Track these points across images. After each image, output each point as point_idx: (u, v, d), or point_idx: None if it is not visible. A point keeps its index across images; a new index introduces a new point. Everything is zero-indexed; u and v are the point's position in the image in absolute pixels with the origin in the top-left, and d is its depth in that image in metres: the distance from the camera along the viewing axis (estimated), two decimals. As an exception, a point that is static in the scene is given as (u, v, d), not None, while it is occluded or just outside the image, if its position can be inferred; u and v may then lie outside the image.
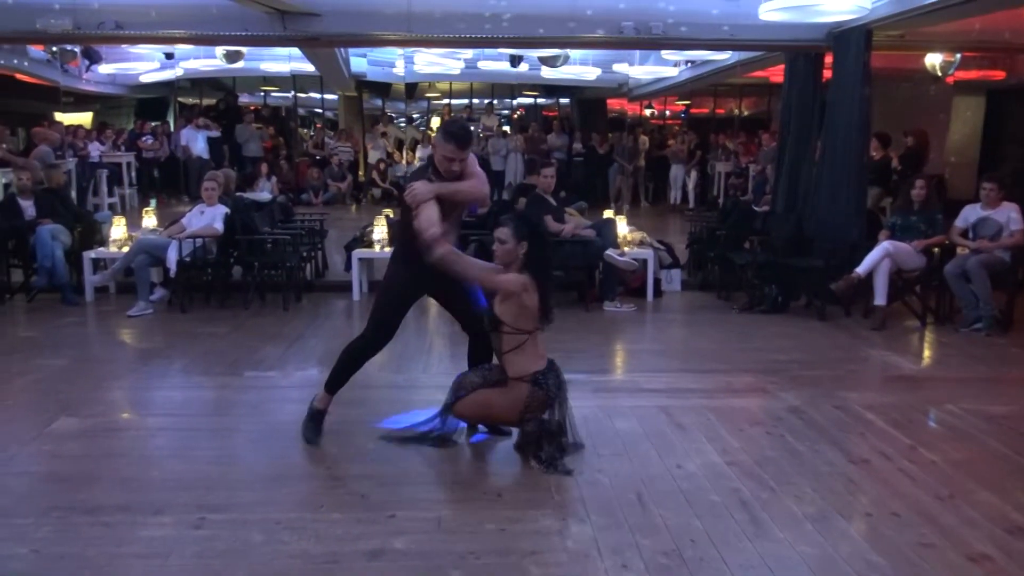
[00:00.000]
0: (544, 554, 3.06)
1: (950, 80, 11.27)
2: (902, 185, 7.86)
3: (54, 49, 12.45)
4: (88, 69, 14.21)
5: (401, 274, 4.14)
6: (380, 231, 7.97)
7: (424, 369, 5.57)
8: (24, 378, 5.34)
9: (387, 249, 7.89)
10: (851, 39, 7.59)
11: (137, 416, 4.72)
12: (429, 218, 3.75)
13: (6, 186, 9.66)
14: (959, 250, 6.96)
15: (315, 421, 4.19)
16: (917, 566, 2.99)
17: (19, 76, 12.81)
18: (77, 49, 13.29)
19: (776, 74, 11.88)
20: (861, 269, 6.81)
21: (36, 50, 12.46)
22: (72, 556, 3.03)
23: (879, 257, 6.80)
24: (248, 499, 3.52)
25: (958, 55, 9.96)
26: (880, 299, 6.83)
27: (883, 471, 3.87)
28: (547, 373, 3.88)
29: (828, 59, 8.21)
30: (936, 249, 6.98)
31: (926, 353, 6.42)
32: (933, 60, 10.17)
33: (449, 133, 3.95)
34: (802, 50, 8.38)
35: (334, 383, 4.20)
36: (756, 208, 9.52)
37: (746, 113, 18.68)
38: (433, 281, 4.08)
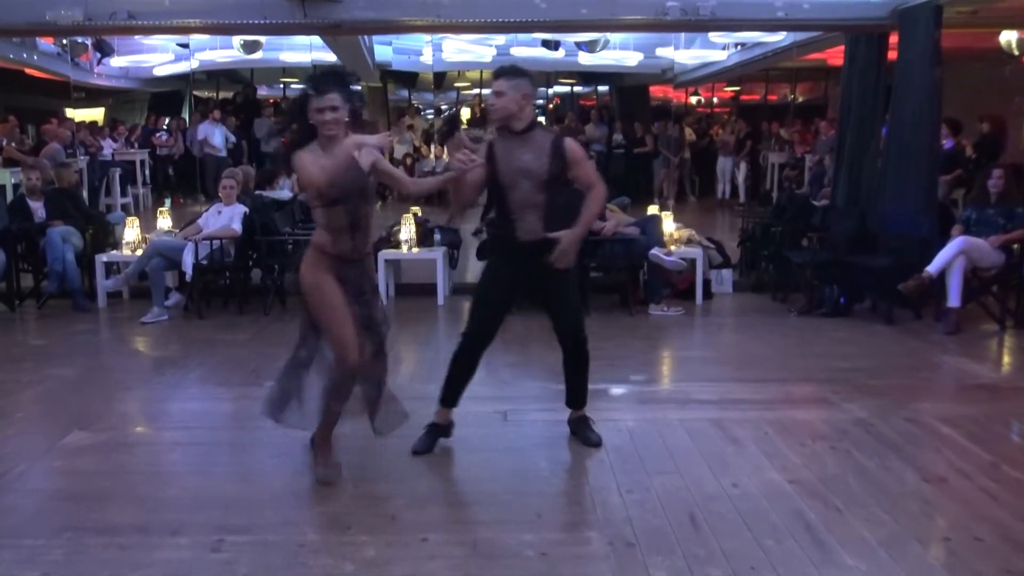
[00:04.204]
0: (589, 581, 3.01)
1: (1028, 60, 11.01)
2: (977, 175, 7.68)
3: (64, 42, 12.65)
4: (100, 62, 14.44)
5: (488, 264, 4.35)
6: (407, 231, 7.93)
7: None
8: (34, 389, 5.41)
9: (415, 250, 7.88)
10: (919, 16, 7.43)
11: (152, 429, 4.76)
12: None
13: (15, 186, 9.83)
14: (1042, 246, 6.80)
15: (429, 435, 4.21)
16: (1004, 597, 2.90)
17: (28, 71, 13.03)
18: (88, 41, 13.51)
19: (834, 56, 11.70)
20: (932, 268, 6.65)
21: (46, 43, 12.67)
22: (84, 580, 3.04)
23: (953, 254, 6.64)
24: (270, 519, 3.51)
25: (1036, 32, 9.73)
26: (954, 300, 6.68)
27: (962, 491, 3.77)
28: None
29: (893, 39, 8.05)
30: (1016, 245, 6.82)
31: (1006, 360, 6.27)
32: (1008, 38, 9.94)
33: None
34: (865, 29, 8.23)
35: (446, 395, 4.24)
36: (814, 202, 9.38)
37: (801, 99, 18.43)
38: (524, 273, 4.07)
